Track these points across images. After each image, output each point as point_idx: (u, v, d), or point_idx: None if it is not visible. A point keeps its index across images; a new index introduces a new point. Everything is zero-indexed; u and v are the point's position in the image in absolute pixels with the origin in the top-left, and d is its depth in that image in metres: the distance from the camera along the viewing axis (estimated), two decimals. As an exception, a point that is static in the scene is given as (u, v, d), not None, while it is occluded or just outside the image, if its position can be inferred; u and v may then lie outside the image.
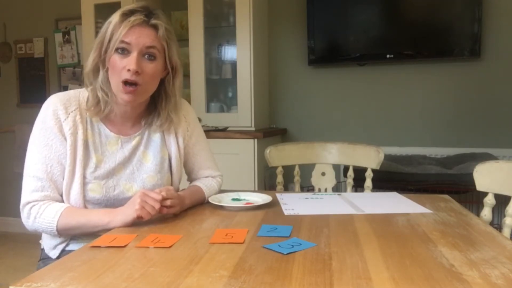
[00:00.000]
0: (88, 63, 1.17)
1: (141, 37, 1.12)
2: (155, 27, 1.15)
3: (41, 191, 1.12)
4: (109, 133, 1.21)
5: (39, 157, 1.13)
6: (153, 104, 1.27)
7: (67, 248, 1.20)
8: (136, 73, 1.11)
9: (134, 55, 1.11)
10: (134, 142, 1.24)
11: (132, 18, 1.11)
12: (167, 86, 1.23)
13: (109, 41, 1.12)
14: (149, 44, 1.13)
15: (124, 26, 1.11)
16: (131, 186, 1.22)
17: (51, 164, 1.14)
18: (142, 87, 1.14)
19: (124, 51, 1.12)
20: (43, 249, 1.27)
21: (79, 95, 1.21)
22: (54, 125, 1.14)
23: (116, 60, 1.12)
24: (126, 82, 1.12)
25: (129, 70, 1.11)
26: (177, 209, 1.16)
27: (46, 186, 1.13)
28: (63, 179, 1.15)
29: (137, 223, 1.07)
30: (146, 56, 1.14)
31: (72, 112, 1.17)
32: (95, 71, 1.17)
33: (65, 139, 1.15)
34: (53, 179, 1.14)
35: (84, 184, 1.16)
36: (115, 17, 1.14)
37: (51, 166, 1.14)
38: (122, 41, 1.11)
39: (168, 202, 1.11)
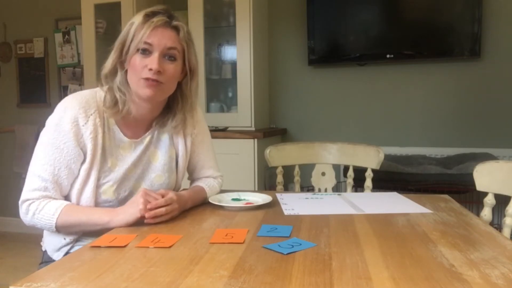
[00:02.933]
0: (108, 64, 1.16)
1: (163, 38, 1.13)
2: (176, 29, 1.17)
3: (43, 191, 1.12)
4: (123, 137, 1.21)
5: (48, 158, 1.12)
6: (167, 107, 1.27)
7: (72, 251, 1.18)
8: (158, 72, 1.12)
9: (156, 55, 1.12)
10: (145, 143, 1.25)
11: (155, 19, 1.13)
12: (184, 88, 1.24)
13: (131, 41, 1.13)
14: (170, 45, 1.14)
15: (147, 27, 1.12)
16: (140, 185, 1.23)
17: (59, 167, 1.12)
18: (163, 86, 1.15)
19: (145, 51, 1.13)
20: (45, 252, 1.26)
21: (96, 95, 1.19)
22: (70, 130, 1.12)
23: (137, 59, 1.13)
24: (147, 79, 1.13)
25: (151, 69, 1.11)
26: (175, 214, 1.15)
27: (49, 188, 1.12)
28: (68, 182, 1.14)
29: (138, 222, 1.07)
30: (166, 57, 1.15)
31: (92, 114, 1.15)
32: (113, 72, 1.17)
33: (79, 144, 1.13)
34: (59, 182, 1.13)
35: (97, 187, 1.16)
36: (137, 18, 1.14)
37: (58, 169, 1.12)
38: (145, 42, 1.12)
39: (163, 210, 1.09)
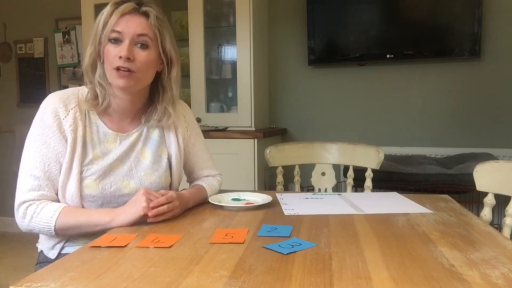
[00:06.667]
0: (86, 58, 1.17)
1: (131, 25, 1.13)
2: (146, 15, 1.15)
3: (38, 190, 1.11)
4: (107, 130, 1.21)
5: (36, 155, 1.12)
6: (151, 100, 1.26)
7: (63, 252, 1.18)
8: (128, 59, 1.11)
9: (126, 42, 1.12)
10: (132, 139, 1.23)
11: (123, 6, 1.12)
12: (163, 78, 1.22)
13: (102, 31, 1.13)
14: (140, 32, 1.13)
15: (115, 15, 1.12)
16: (128, 183, 1.20)
17: (49, 162, 1.12)
18: (136, 75, 1.13)
19: (117, 40, 1.13)
20: (41, 252, 1.25)
21: (78, 92, 1.21)
22: (53, 123, 1.13)
23: (109, 49, 1.13)
24: (118, 68, 1.12)
25: (120, 57, 1.11)
26: (177, 212, 1.15)
27: (43, 185, 1.11)
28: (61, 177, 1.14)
29: (138, 222, 1.07)
30: (138, 45, 1.14)
31: (72, 109, 1.16)
32: (93, 66, 1.17)
33: (64, 137, 1.14)
34: (51, 177, 1.13)
35: (80, 180, 1.14)
36: (106, 8, 1.14)
37: (48, 165, 1.12)
38: (114, 30, 1.12)
39: (165, 207, 1.10)
